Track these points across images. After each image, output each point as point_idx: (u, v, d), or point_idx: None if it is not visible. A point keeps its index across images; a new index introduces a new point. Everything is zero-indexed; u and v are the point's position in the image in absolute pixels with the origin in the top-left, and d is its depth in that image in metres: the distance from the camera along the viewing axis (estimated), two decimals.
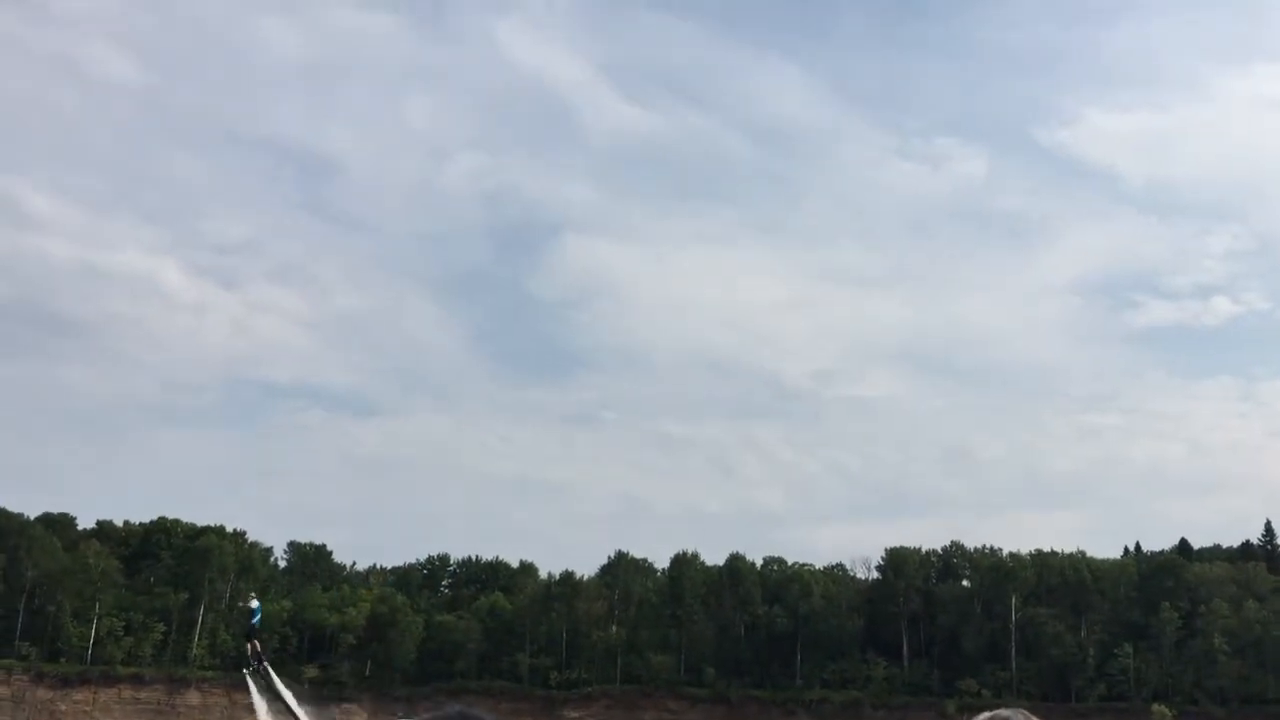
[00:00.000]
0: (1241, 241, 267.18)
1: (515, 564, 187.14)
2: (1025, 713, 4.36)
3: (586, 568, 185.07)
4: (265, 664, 47.88)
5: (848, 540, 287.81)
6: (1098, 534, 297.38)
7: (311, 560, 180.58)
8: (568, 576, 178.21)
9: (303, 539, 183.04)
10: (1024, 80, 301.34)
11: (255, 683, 47.12)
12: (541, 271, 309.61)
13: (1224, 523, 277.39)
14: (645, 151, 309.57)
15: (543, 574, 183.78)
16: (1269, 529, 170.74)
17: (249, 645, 49.31)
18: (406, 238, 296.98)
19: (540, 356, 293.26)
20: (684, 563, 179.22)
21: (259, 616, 53.69)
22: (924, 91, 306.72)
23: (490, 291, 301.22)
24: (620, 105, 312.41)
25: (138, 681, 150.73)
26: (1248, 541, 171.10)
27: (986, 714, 4.38)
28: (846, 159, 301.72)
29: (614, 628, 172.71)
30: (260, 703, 46.47)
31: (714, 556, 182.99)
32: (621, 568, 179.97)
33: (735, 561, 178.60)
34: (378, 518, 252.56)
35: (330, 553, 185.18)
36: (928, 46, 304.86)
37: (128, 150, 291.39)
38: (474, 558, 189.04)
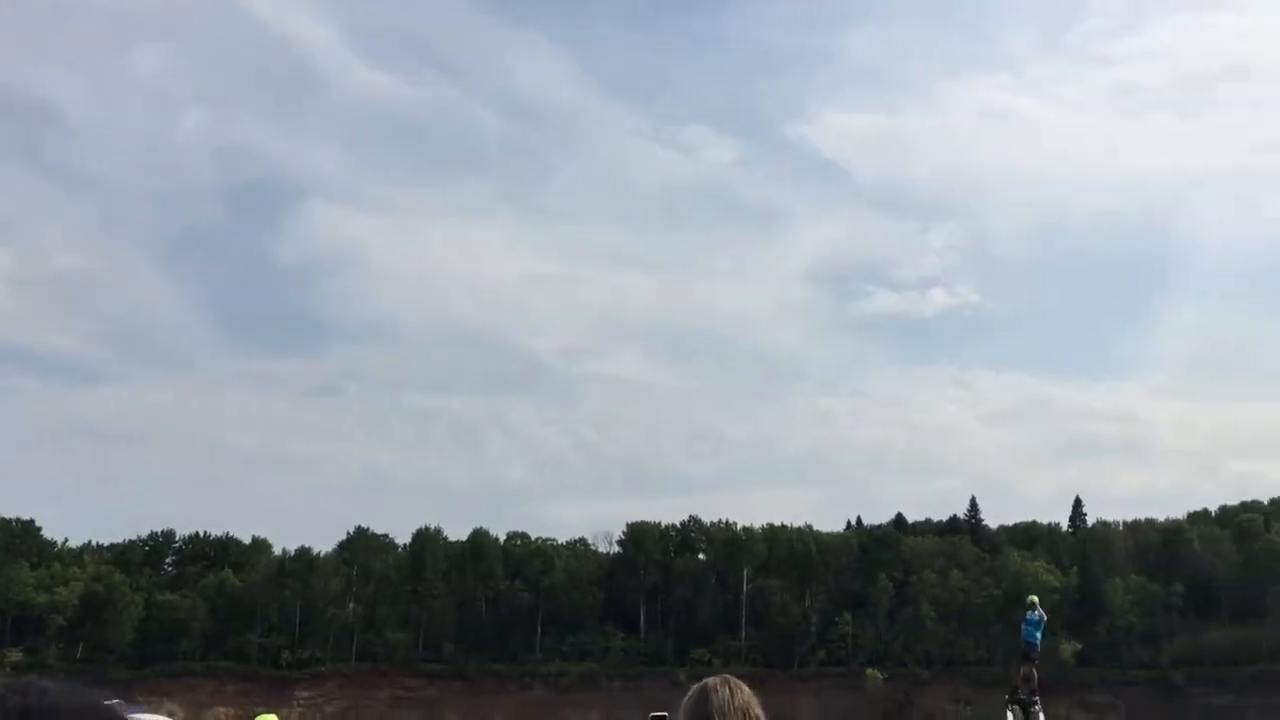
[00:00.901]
0: (957, 238, 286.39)
1: (247, 540, 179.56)
2: (731, 679, 4.28)
3: (324, 544, 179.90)
4: None
5: (591, 515, 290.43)
6: (824, 509, 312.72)
7: (18, 537, 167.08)
8: (304, 553, 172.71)
9: (9, 514, 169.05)
10: (771, 76, 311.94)
11: None
12: (282, 237, 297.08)
13: (935, 500, 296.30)
14: (395, 119, 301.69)
15: (277, 550, 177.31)
16: (974, 505, 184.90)
17: None
18: (133, 196, 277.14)
19: (280, 326, 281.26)
20: (426, 538, 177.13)
21: None
22: (678, 80, 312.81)
23: (226, 256, 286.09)
24: (369, 71, 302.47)
25: None
26: (955, 517, 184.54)
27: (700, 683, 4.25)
28: (600, 140, 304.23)
29: (351, 605, 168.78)
30: None
31: (457, 532, 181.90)
32: (361, 543, 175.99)
33: (479, 537, 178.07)
34: (96, 492, 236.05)
35: (39, 529, 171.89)
36: (685, 37, 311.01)
37: None
38: (202, 534, 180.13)
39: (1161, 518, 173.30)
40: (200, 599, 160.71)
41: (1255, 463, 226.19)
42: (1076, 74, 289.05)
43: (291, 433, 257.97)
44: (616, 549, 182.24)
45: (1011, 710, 27.53)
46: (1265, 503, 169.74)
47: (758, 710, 4.17)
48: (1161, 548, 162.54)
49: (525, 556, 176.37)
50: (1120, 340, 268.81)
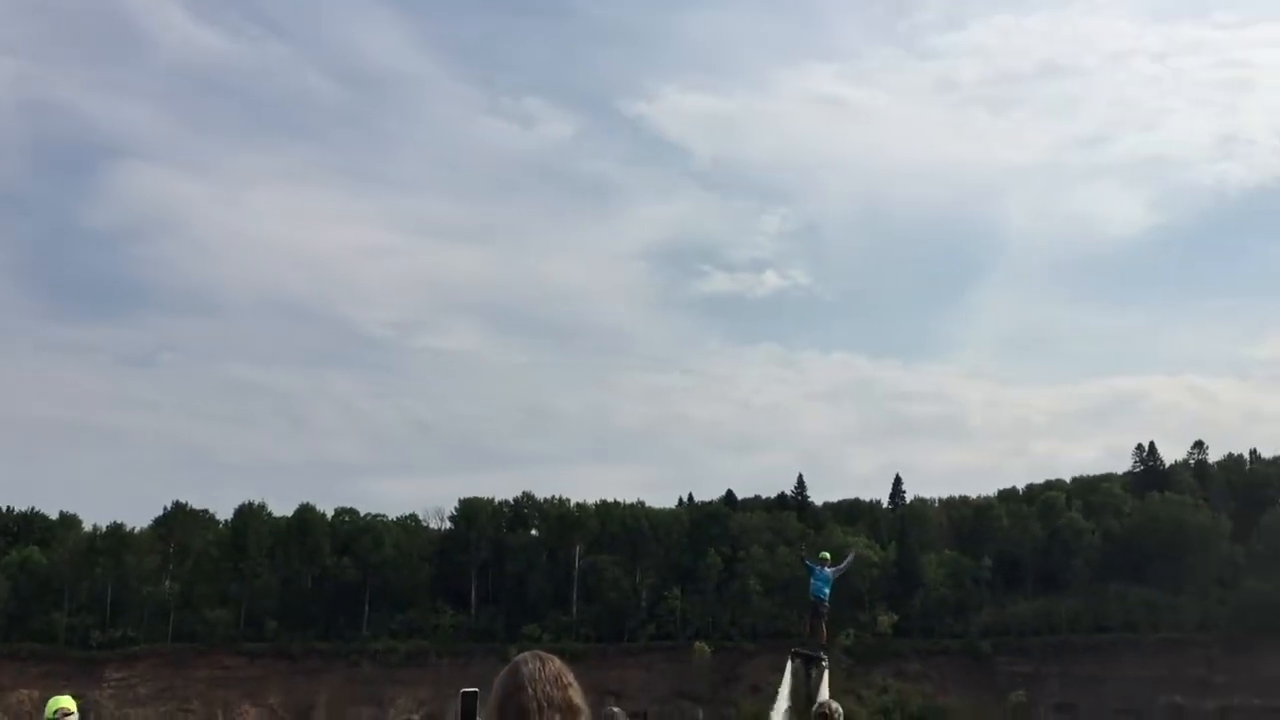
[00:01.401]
0: (790, 222, 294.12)
1: (54, 515, 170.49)
2: (541, 653, 4.32)
3: (139, 519, 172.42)
4: None
5: (423, 491, 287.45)
6: (657, 486, 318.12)
7: None
8: (116, 529, 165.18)
9: None
10: (612, 52, 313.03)
11: None
12: (95, 199, 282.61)
13: (764, 476, 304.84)
14: (221, 79, 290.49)
15: (87, 526, 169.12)
16: (801, 482, 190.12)
17: None
18: None
19: (92, 292, 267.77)
20: (249, 514, 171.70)
21: None
22: (517, 52, 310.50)
23: (30, 216, 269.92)
24: (193, 25, 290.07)
25: None
26: (783, 493, 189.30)
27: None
28: (436, 110, 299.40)
29: (168, 582, 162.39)
30: None
31: (283, 508, 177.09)
32: (179, 519, 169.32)
33: (305, 513, 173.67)
34: None
35: None
36: (525, 9, 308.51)
37: None
38: (5, 509, 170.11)
39: (974, 495, 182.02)
40: (2, 576, 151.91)
41: (1058, 443, 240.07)
42: (904, 66, 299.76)
43: (104, 404, 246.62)
44: (448, 525, 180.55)
45: (792, 662, 27.42)
46: (1067, 481, 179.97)
47: (569, 679, 4.17)
48: (973, 523, 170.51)
49: (354, 533, 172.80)
50: (937, 324, 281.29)
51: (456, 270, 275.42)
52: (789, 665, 27.24)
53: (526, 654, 4.32)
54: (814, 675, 27.09)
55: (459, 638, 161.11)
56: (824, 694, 26.21)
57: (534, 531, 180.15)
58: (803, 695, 27.17)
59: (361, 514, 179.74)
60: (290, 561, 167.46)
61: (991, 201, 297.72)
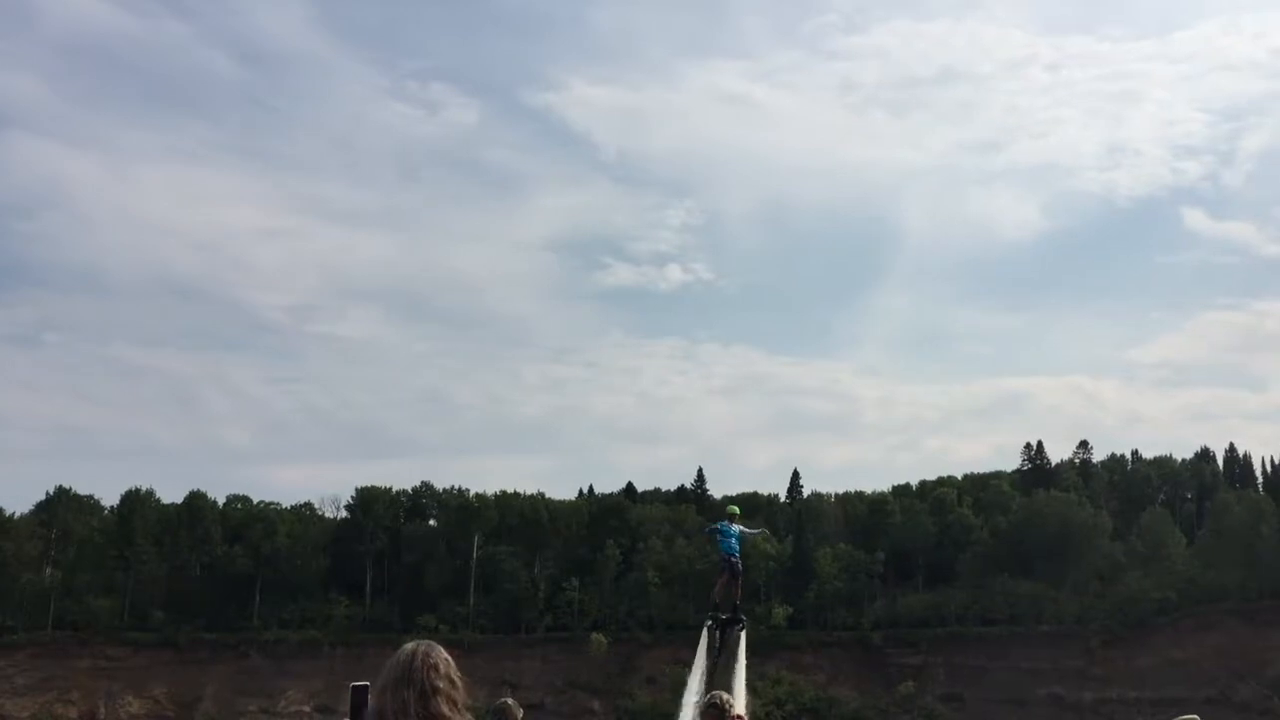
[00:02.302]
0: (694, 217, 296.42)
1: None
2: (428, 641, 4.39)
3: (19, 505, 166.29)
4: None
5: (319, 480, 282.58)
6: (558, 477, 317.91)
7: None
8: None
9: None
10: (518, 41, 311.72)
11: None
12: None
13: (665, 469, 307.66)
14: (114, 53, 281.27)
15: None
16: (700, 475, 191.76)
17: None
18: None
19: None
20: (136, 500, 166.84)
21: None
22: (423, 37, 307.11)
23: None
24: None
25: None
26: (683, 486, 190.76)
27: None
28: (338, 93, 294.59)
29: (49, 570, 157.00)
30: None
31: (171, 494, 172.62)
32: (61, 505, 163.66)
33: (195, 500, 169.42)
34: None
35: None
36: None
37: None
38: None
39: (869, 490, 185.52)
40: None
41: (950, 440, 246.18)
42: (808, 66, 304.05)
43: None
44: (344, 514, 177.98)
45: (708, 630, 26.77)
46: (959, 478, 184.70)
47: (453, 674, 4.20)
48: (867, 518, 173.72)
49: (245, 521, 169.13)
50: (835, 321, 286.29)
51: (356, 255, 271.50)
52: (704, 636, 26.62)
53: (412, 643, 4.35)
54: (732, 637, 26.54)
55: (353, 629, 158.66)
56: (741, 657, 25.93)
57: (432, 521, 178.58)
58: (719, 664, 26.62)
59: (254, 502, 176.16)
60: (178, 550, 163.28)
61: (890, 202, 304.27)
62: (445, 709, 4.17)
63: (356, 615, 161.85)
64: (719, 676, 25.76)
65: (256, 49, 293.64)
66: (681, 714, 25.19)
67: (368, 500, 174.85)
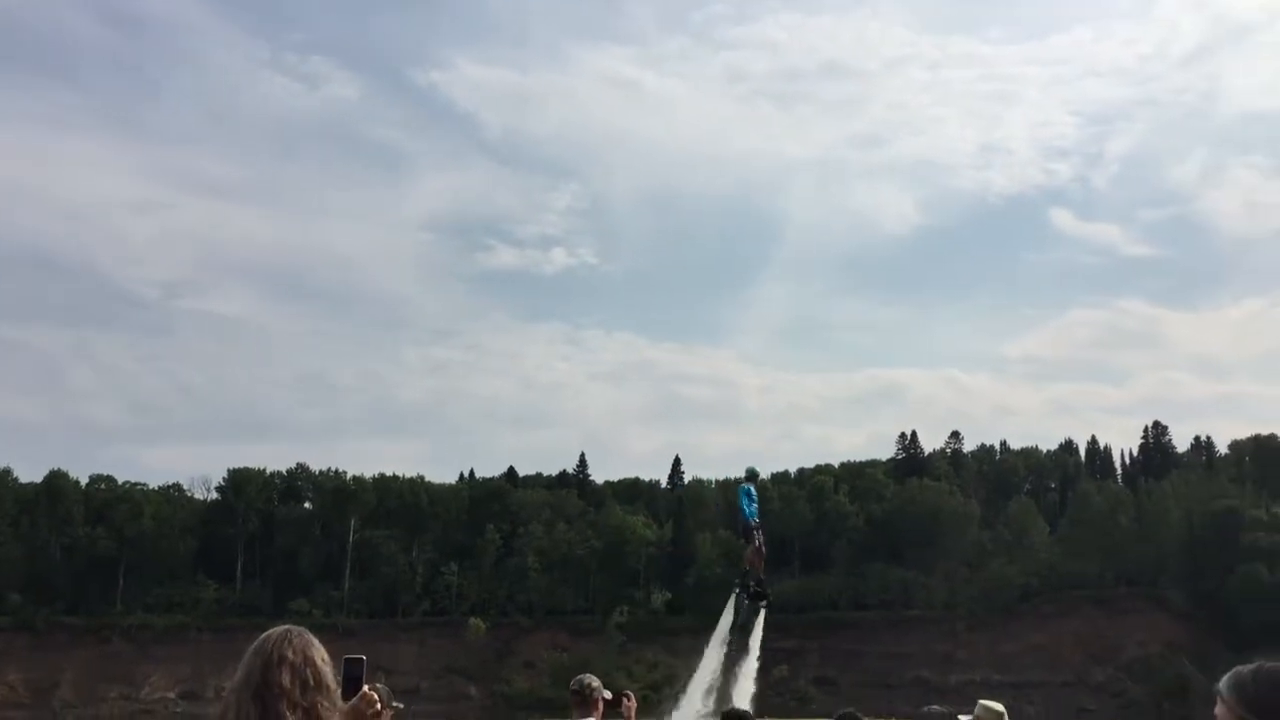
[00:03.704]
0: (580, 201, 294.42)
1: None
2: (294, 627, 4.17)
3: None
4: None
5: (189, 461, 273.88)
6: (438, 460, 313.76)
7: None
8: None
9: None
10: (404, 17, 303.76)
11: None
12: None
13: (547, 453, 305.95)
14: None
15: None
16: (583, 460, 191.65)
17: None
18: None
19: None
20: None
21: None
22: (304, 8, 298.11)
23: None
24: None
25: None
26: (564, 471, 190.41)
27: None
28: (213, 62, 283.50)
29: None
30: None
31: (31, 473, 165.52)
32: None
33: (55, 479, 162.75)
34: None
35: None
36: None
37: None
38: None
39: None
40: None
41: (828, 429, 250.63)
42: (697, 55, 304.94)
43: None
44: (215, 496, 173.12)
45: (735, 598, 25.55)
46: (836, 466, 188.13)
47: (321, 654, 3.98)
48: None
49: (110, 502, 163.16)
50: (718, 309, 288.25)
51: (231, 231, 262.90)
52: (730, 605, 25.57)
53: (277, 628, 4.06)
54: (751, 612, 25.58)
55: (222, 613, 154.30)
56: (755, 647, 25.07)
57: (307, 504, 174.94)
58: (741, 637, 25.60)
59: (119, 482, 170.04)
60: (37, 531, 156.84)
61: (775, 193, 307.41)
62: (288, 714, 3.77)
63: (226, 599, 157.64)
64: (731, 664, 24.75)
65: (124, 12, 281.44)
66: (691, 685, 24.31)
67: (240, 482, 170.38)
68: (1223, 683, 3.39)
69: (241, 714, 3.79)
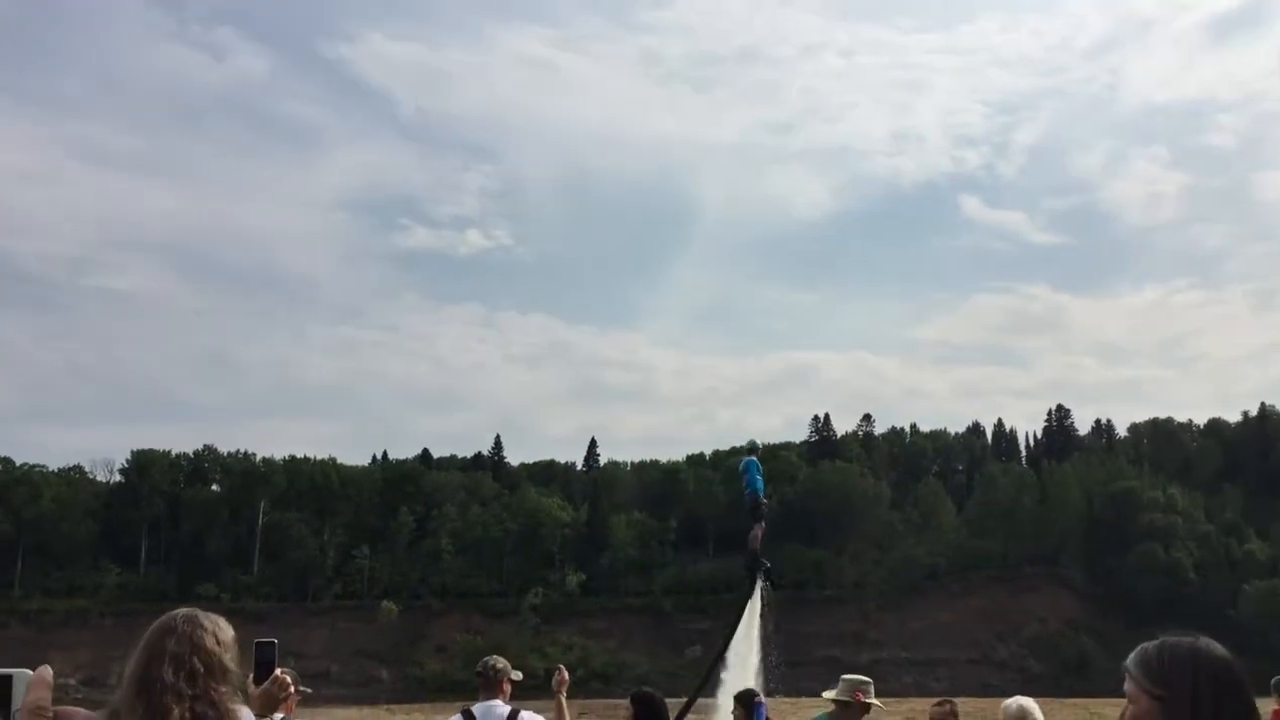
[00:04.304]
0: (494, 181, 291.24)
1: None
2: (198, 610, 4.13)
3: None
4: None
5: (91, 442, 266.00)
6: (350, 442, 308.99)
7: None
8: None
9: None
10: None
11: None
12: None
13: (462, 436, 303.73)
14: None
15: None
16: (498, 442, 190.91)
17: None
18: None
19: None
20: None
21: None
22: None
23: None
24: None
25: None
26: (480, 453, 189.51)
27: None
28: (113, 30, 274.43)
29: None
30: None
31: None
32: None
33: None
34: None
35: None
36: None
37: None
38: None
39: (664, 459, 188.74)
40: None
41: (743, 412, 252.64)
42: (613, 36, 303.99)
43: None
44: (118, 478, 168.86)
45: (762, 576, 24.63)
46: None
47: (213, 641, 3.83)
48: (662, 487, 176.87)
49: (7, 484, 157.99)
50: (634, 292, 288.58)
51: (134, 206, 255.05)
52: (758, 587, 24.43)
53: (165, 616, 3.94)
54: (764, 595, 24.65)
55: (125, 598, 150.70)
56: (756, 620, 24.11)
57: (215, 487, 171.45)
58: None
59: (16, 464, 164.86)
60: None
61: (691, 177, 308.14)
62: (174, 706, 3.65)
63: (129, 584, 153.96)
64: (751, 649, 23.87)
65: None
66: (725, 675, 23.00)
67: (144, 464, 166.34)
68: (1130, 660, 3.43)
69: (127, 709, 3.67)
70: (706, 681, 21.99)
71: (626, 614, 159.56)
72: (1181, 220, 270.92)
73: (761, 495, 24.23)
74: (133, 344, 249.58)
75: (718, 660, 23.40)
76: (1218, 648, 3.36)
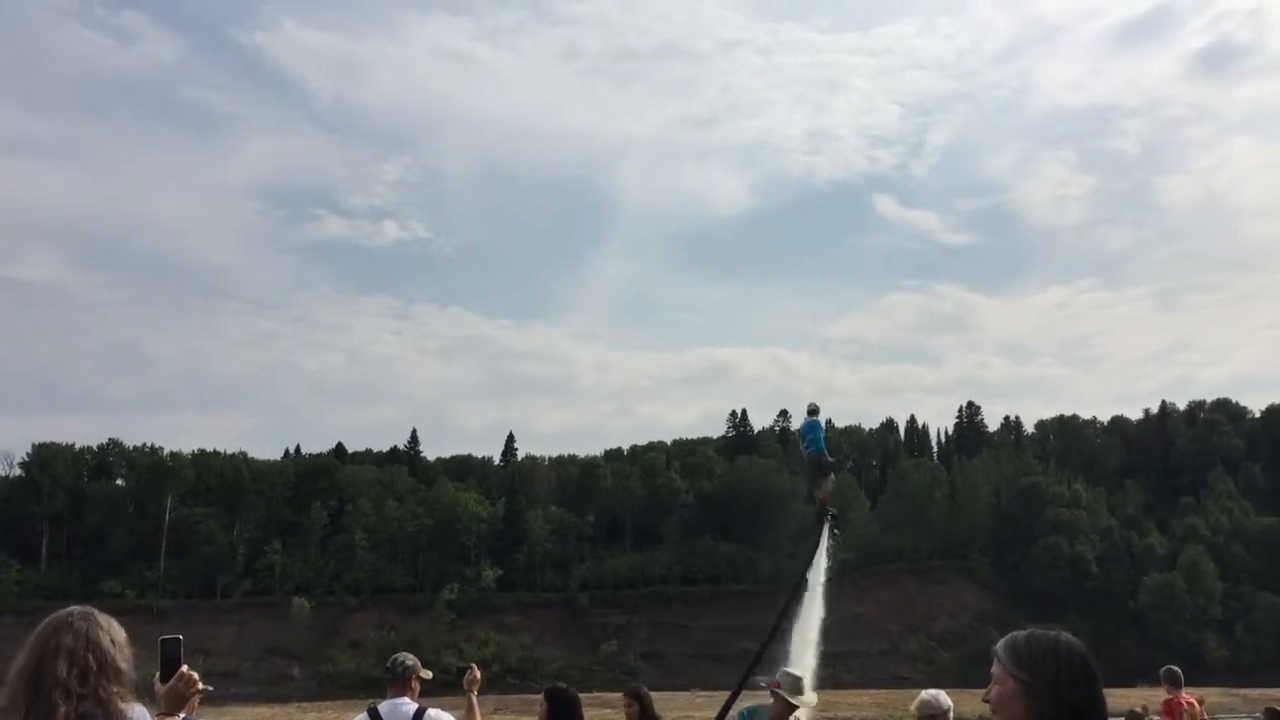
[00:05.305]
0: (411, 173, 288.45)
1: None
2: (87, 609, 4.03)
3: None
4: None
5: None
6: (261, 436, 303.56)
7: None
8: None
9: None
10: None
11: None
12: None
13: (377, 430, 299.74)
14: None
15: None
16: (414, 436, 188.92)
17: None
18: None
19: None
20: None
21: None
22: None
23: None
24: None
25: None
26: (395, 447, 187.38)
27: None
28: (16, 11, 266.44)
29: None
30: None
31: None
32: None
33: None
34: None
35: None
36: None
37: None
38: None
39: (582, 454, 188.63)
40: None
41: (661, 407, 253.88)
42: (532, 29, 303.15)
43: None
44: (18, 472, 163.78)
45: (828, 526, 24.77)
46: (668, 443, 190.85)
47: (109, 640, 3.78)
48: (579, 481, 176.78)
49: None
50: (552, 286, 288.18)
51: (34, 192, 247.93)
52: (824, 532, 24.52)
53: (59, 612, 3.89)
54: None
55: (26, 595, 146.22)
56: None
57: (120, 481, 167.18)
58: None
59: None
60: None
61: (610, 171, 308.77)
62: (61, 704, 3.61)
63: (29, 581, 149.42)
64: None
65: None
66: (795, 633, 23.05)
67: (46, 458, 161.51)
68: (999, 646, 3.77)
69: (15, 704, 3.61)
70: (772, 637, 22.27)
71: (543, 609, 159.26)
72: (1088, 223, 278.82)
73: (825, 452, 25.07)
74: (34, 334, 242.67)
75: (788, 605, 23.85)
76: (1076, 641, 3.73)
